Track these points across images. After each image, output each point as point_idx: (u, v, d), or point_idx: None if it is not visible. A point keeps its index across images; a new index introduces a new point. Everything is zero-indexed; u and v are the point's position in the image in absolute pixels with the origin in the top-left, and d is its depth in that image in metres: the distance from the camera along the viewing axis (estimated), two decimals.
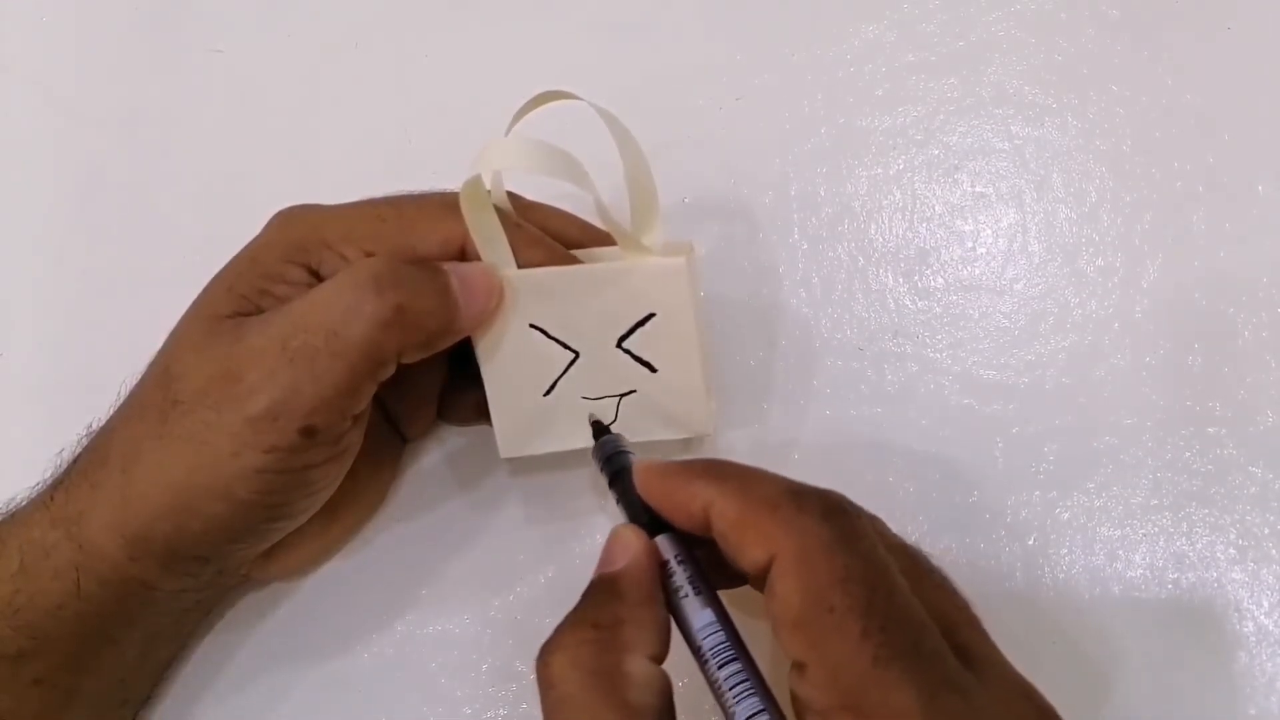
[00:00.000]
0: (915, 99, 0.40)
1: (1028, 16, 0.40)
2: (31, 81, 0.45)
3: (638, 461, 0.30)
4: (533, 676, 0.36)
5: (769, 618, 0.25)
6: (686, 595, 0.27)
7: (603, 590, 0.27)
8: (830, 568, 0.24)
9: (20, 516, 0.32)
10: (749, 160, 0.40)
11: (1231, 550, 0.35)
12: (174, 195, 0.43)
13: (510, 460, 0.38)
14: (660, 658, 0.26)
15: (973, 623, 0.27)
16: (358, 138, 0.43)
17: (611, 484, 0.32)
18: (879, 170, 0.40)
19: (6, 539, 0.31)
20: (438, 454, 0.39)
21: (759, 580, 0.26)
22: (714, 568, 0.28)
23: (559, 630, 0.27)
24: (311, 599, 0.38)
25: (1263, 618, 0.35)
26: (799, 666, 0.24)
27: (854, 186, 0.40)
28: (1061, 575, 0.35)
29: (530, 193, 0.35)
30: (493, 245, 0.32)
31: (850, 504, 0.27)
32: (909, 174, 0.39)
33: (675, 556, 0.28)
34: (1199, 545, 0.35)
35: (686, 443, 0.37)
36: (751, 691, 0.26)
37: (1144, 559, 0.35)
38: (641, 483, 0.29)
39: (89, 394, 0.34)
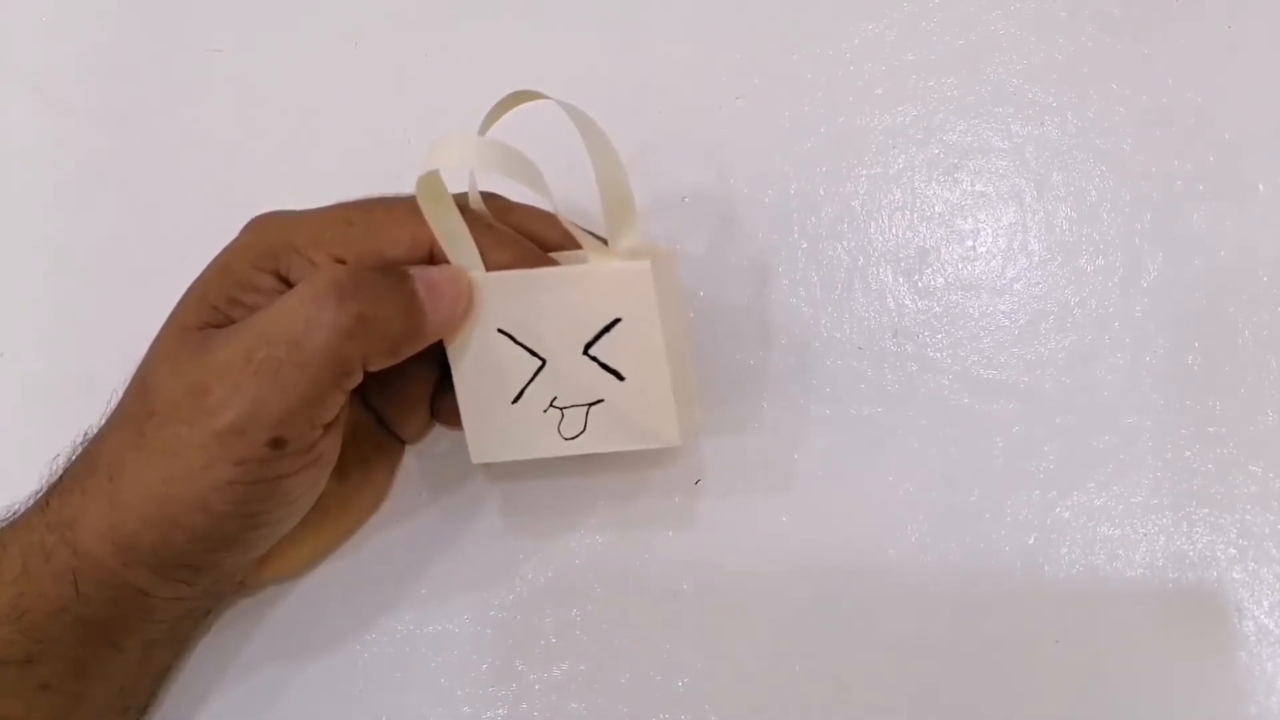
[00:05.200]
0: (915, 98, 0.40)
1: (1027, 15, 0.40)
2: (31, 81, 0.45)
3: None
4: (533, 676, 0.36)
5: None
6: None
7: None
8: None
9: (19, 522, 0.32)
10: (749, 160, 0.40)
11: (1231, 550, 0.35)
12: (173, 195, 0.43)
13: (492, 465, 0.37)
14: None
15: None
16: (358, 138, 0.42)
17: None
18: (879, 169, 0.40)
19: (8, 544, 0.31)
20: (438, 455, 0.39)
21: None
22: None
23: None
24: (311, 600, 0.38)
25: (1263, 617, 0.35)
26: None
27: (854, 186, 0.40)
28: (1061, 575, 0.35)
29: (509, 195, 0.34)
30: (457, 246, 0.31)
31: None
32: (909, 173, 0.39)
33: None
34: (1199, 545, 0.35)
35: (660, 452, 0.36)
36: None
37: (1144, 559, 0.35)
38: None
39: (88, 395, 0.34)
